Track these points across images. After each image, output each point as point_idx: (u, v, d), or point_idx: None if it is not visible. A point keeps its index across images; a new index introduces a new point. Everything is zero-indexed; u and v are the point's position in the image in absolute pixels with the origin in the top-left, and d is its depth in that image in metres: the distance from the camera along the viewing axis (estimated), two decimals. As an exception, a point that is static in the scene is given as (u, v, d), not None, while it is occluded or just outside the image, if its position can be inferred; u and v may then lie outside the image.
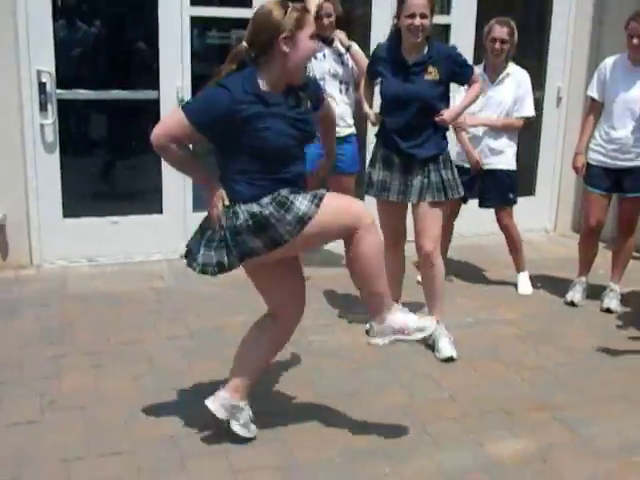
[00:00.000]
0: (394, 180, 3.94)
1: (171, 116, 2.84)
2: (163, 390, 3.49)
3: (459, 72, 3.91)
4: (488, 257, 5.62)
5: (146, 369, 3.70)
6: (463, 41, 5.38)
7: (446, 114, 3.84)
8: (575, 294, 4.77)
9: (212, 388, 3.48)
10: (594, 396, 3.58)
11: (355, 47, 4.78)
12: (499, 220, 4.99)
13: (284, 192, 2.79)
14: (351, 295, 4.78)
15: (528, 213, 6.26)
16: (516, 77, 4.80)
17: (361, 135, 5.17)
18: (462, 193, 4.05)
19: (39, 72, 4.86)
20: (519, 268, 5.07)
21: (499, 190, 4.89)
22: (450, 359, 3.89)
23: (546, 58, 6.11)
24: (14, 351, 3.83)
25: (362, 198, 3.93)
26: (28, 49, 4.81)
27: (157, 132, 2.76)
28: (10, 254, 5.05)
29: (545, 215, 6.41)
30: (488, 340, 4.18)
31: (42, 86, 4.88)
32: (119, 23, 5.55)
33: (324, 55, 4.77)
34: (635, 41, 4.30)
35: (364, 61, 4.74)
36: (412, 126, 3.84)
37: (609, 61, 4.55)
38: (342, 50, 4.81)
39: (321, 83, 4.71)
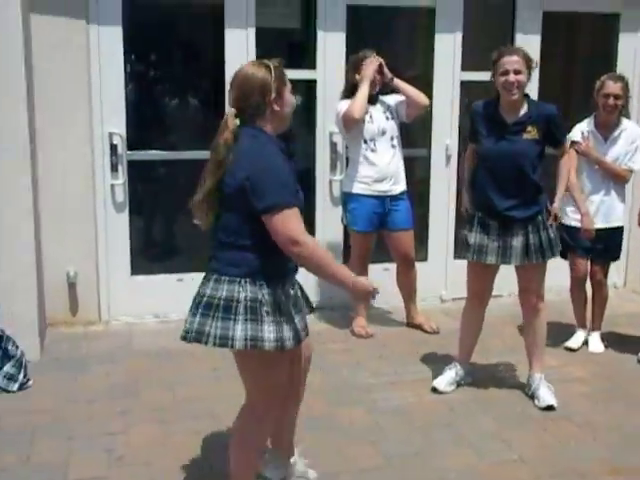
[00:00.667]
0: (492, 242, 3.89)
1: (292, 222, 2.58)
2: (227, 447, 3.47)
3: (555, 134, 3.88)
4: (555, 312, 5.49)
5: (210, 425, 3.70)
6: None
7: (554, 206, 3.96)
8: (648, 352, 4.62)
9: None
10: (672, 459, 3.44)
11: (397, 80, 4.86)
12: (593, 275, 4.86)
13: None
14: (414, 352, 4.74)
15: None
16: (628, 132, 4.64)
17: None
18: (557, 253, 4.02)
19: (111, 134, 5.03)
20: (595, 327, 4.93)
21: (609, 247, 4.79)
22: (550, 407, 3.91)
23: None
24: (83, 406, 3.89)
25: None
26: (101, 113, 5.00)
27: (304, 239, 2.58)
28: (80, 311, 5.16)
29: (614, 270, 6.24)
30: (559, 399, 4.06)
31: (113, 148, 5.05)
32: (187, 85, 5.73)
33: (371, 116, 4.84)
34: None
35: (409, 88, 4.82)
36: (510, 187, 3.81)
37: None
38: (388, 102, 4.90)
39: (371, 144, 4.80)
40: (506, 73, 3.73)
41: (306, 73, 5.37)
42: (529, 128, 3.79)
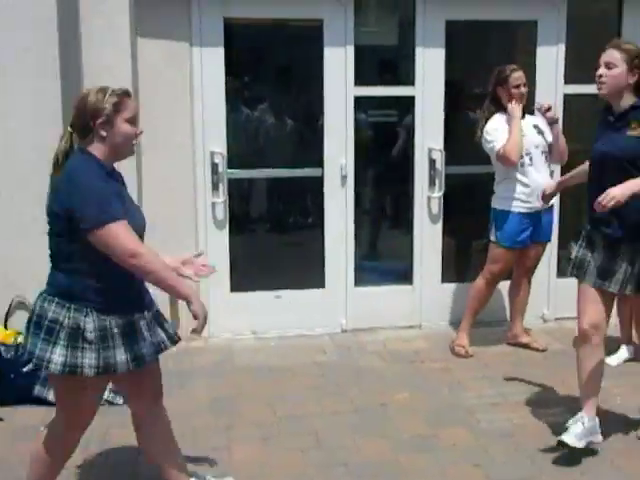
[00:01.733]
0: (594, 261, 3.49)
1: (122, 235, 2.59)
2: (330, 465, 3.46)
3: None
4: None
5: (312, 443, 3.69)
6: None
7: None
8: None
9: (378, 465, 3.43)
10: None
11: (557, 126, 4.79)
12: None
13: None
14: (515, 371, 4.60)
15: None
16: None
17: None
18: None
19: (212, 153, 5.13)
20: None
21: None
22: (563, 444, 3.46)
23: None
24: (186, 421, 3.93)
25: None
26: (203, 132, 5.10)
27: (140, 250, 2.61)
28: (182, 326, 5.24)
29: None
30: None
31: (215, 166, 5.14)
32: (284, 104, 5.79)
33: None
34: None
35: (562, 139, 4.76)
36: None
37: None
38: (538, 121, 4.83)
39: (527, 158, 4.75)
40: (597, 68, 3.45)
41: (404, 90, 5.34)
42: (634, 124, 3.39)
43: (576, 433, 3.44)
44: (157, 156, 4.98)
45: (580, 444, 3.44)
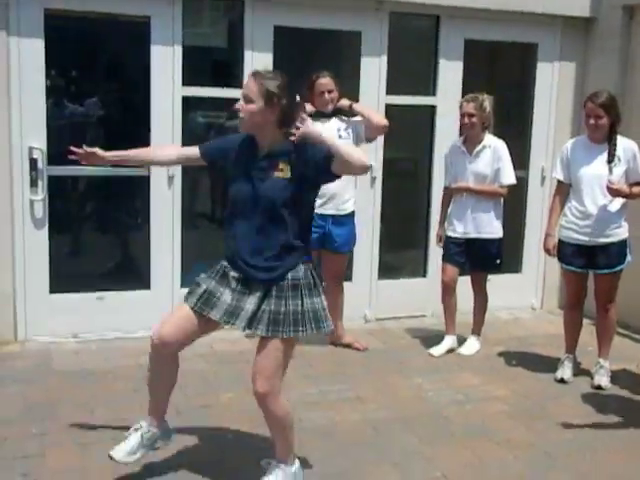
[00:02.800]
0: None
1: None
2: (151, 469, 3.41)
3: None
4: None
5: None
6: (447, 121, 5.55)
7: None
8: (565, 371, 4.75)
9: (197, 465, 3.43)
10: (588, 476, 3.53)
11: (355, 105, 4.92)
12: (475, 283, 5.23)
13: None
14: (337, 370, 4.75)
15: (515, 290, 6.31)
16: (492, 148, 4.99)
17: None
18: None
19: (31, 149, 4.90)
20: (477, 330, 5.28)
21: (483, 257, 5.10)
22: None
23: (530, 139, 6.24)
24: (-3, 429, 3.75)
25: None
26: (20, 126, 4.87)
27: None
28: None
29: (532, 292, 6.43)
30: (479, 418, 4.14)
31: (33, 162, 4.91)
32: (111, 102, 5.64)
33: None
34: (591, 121, 4.46)
35: (369, 110, 4.88)
36: None
37: (569, 143, 4.74)
38: (341, 125, 4.91)
39: None
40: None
41: (234, 92, 5.36)
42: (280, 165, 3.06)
43: (126, 448, 3.25)
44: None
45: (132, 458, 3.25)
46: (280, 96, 2.99)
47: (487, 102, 4.94)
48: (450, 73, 5.81)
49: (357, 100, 5.26)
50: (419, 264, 6.08)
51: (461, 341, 5.25)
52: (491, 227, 5.05)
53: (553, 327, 5.77)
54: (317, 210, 4.82)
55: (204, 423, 3.93)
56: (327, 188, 4.78)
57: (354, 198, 5.08)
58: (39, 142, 4.93)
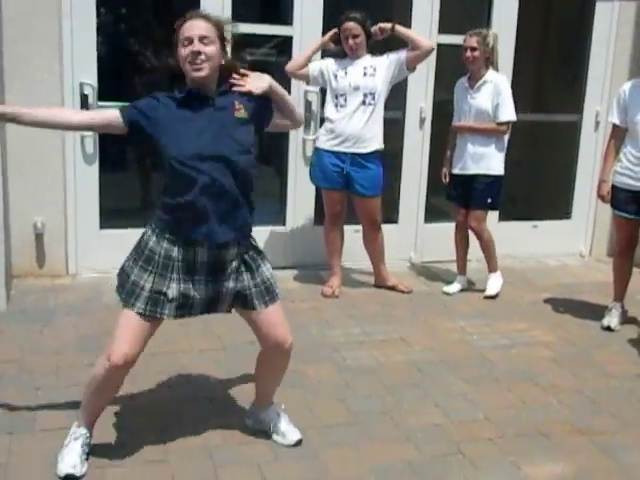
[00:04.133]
0: None
1: None
2: (197, 400, 3.49)
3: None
4: (523, 280, 5.57)
5: (180, 380, 3.71)
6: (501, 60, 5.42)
7: None
8: (612, 319, 4.70)
9: (244, 401, 3.50)
10: (633, 422, 3.51)
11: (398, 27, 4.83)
12: (468, 222, 5.12)
13: None
14: (381, 312, 4.77)
15: (563, 237, 6.23)
16: (494, 83, 4.91)
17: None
18: None
19: (82, 84, 4.92)
20: (490, 268, 5.20)
21: (478, 194, 5.02)
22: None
23: (585, 82, 6.06)
24: (50, 358, 3.86)
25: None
26: (72, 62, 4.88)
27: None
28: (47, 263, 5.10)
29: (581, 239, 6.34)
30: (524, 362, 4.13)
31: (84, 98, 4.94)
32: (160, 38, 5.62)
33: (346, 72, 4.82)
34: None
35: (411, 32, 4.86)
36: None
37: (627, 85, 4.56)
38: (369, 62, 4.84)
39: (341, 99, 4.81)
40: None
41: (282, 29, 5.30)
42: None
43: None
44: (23, 85, 4.75)
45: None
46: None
47: (491, 37, 4.88)
48: (504, 11, 5.64)
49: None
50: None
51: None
52: (488, 163, 4.96)
53: (601, 275, 5.69)
54: (333, 147, 4.84)
55: (249, 358, 3.98)
56: (342, 129, 4.78)
57: (380, 136, 4.92)
58: (90, 78, 4.95)
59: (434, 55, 5.22)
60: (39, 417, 3.26)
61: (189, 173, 2.72)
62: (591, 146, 6.15)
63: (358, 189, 4.92)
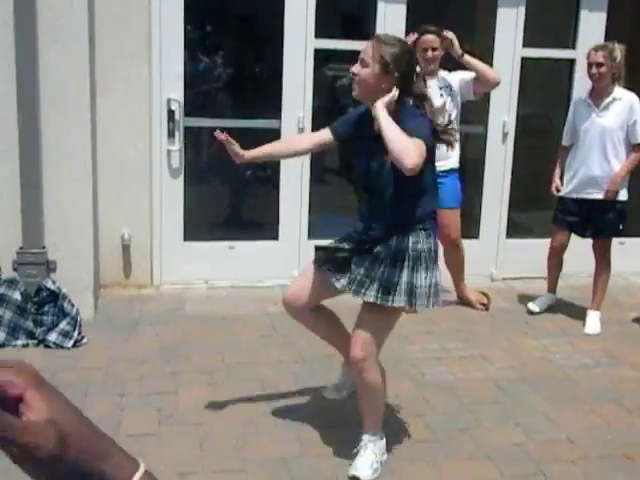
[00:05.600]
0: None
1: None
2: (275, 412, 3.53)
3: None
4: (610, 298, 5.41)
5: (259, 391, 3.75)
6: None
7: None
8: None
9: (322, 413, 3.51)
10: None
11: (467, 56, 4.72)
12: (595, 251, 4.90)
13: None
14: (461, 328, 4.71)
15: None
16: (624, 101, 4.66)
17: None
18: None
19: (169, 100, 5.07)
20: (597, 306, 4.92)
21: (608, 221, 4.81)
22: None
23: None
24: (134, 366, 3.96)
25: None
26: (160, 78, 5.03)
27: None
28: (133, 274, 5.25)
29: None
30: (609, 382, 4.01)
31: (171, 114, 5.09)
32: (244, 55, 5.74)
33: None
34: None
35: (480, 64, 4.69)
36: None
37: None
38: (449, 80, 4.78)
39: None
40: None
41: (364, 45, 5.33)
42: None
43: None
44: (113, 100, 4.91)
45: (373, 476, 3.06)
46: (396, 65, 2.85)
47: (618, 51, 4.59)
48: (592, 24, 5.52)
49: (491, 53, 5.11)
50: (548, 224, 5.89)
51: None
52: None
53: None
54: None
55: (327, 371, 4.01)
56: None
57: (455, 157, 4.84)
58: (177, 94, 5.08)
59: (517, 68, 5.15)
60: (123, 422, 3.35)
61: None
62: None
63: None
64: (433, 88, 4.74)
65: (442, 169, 4.83)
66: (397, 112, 2.87)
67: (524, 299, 5.30)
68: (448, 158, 4.83)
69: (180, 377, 3.85)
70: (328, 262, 3.10)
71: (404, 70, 2.88)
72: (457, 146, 4.84)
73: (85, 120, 4.50)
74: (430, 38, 4.70)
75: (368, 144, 2.98)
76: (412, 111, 2.97)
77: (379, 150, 2.87)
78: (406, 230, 2.96)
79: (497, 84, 4.75)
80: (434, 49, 4.71)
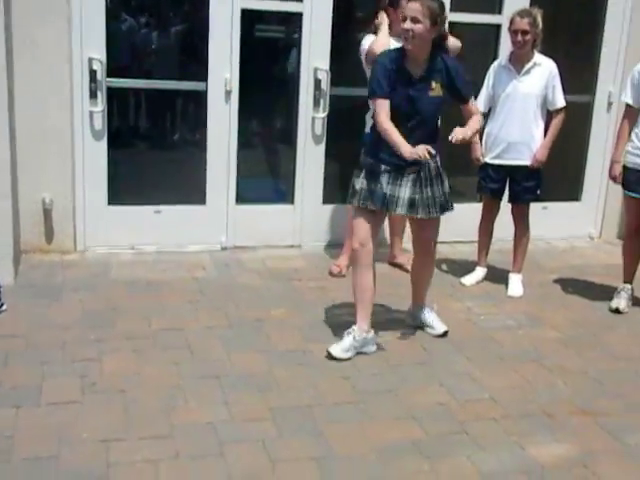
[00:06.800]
0: None
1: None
2: (202, 377, 3.50)
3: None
4: (532, 261, 5.53)
5: (186, 356, 3.72)
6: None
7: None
8: (620, 301, 4.68)
9: (251, 377, 3.51)
10: (639, 404, 3.50)
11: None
12: (514, 216, 4.96)
13: None
14: (389, 292, 4.76)
15: (573, 219, 6.19)
16: (543, 67, 4.71)
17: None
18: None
19: (90, 60, 4.90)
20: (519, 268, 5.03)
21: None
22: (330, 356, 3.79)
23: (598, 62, 5.99)
24: (57, 332, 3.87)
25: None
26: (81, 36, 4.86)
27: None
28: (55, 239, 5.11)
29: (591, 221, 6.30)
30: (531, 343, 4.12)
31: (93, 74, 4.92)
32: (169, 15, 5.59)
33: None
34: None
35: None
36: None
37: None
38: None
39: None
40: (403, 19, 3.60)
41: (292, 5, 5.26)
42: (433, 84, 3.69)
43: (343, 346, 3.77)
44: (31, 60, 4.73)
45: (346, 355, 3.76)
46: (440, 17, 3.59)
47: (539, 17, 4.62)
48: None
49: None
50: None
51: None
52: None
53: (611, 257, 5.65)
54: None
55: (256, 336, 4.00)
56: None
57: None
58: (99, 53, 4.92)
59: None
60: (45, 391, 3.28)
61: None
62: (603, 127, 6.09)
63: None
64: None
65: None
66: (434, 61, 3.68)
67: (450, 263, 5.38)
68: None
69: (104, 344, 3.78)
70: (391, 204, 3.75)
71: (443, 20, 3.65)
72: None
73: (0, 80, 4.31)
74: (413, 6, 4.61)
75: (407, 81, 3.65)
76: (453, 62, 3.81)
77: (419, 84, 3.66)
78: (437, 150, 3.67)
79: (458, 51, 4.64)
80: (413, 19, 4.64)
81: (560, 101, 4.75)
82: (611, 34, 5.93)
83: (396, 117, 3.65)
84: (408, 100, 3.67)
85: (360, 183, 3.79)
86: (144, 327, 4.02)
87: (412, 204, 3.75)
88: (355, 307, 3.88)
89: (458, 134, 3.63)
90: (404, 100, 3.66)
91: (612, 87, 6.00)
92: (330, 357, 3.73)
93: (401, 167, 3.69)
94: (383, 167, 3.73)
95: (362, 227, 3.79)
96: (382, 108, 3.66)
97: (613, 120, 5.96)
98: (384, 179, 3.74)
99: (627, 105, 4.55)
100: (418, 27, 3.54)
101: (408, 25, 3.55)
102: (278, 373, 3.59)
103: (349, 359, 3.75)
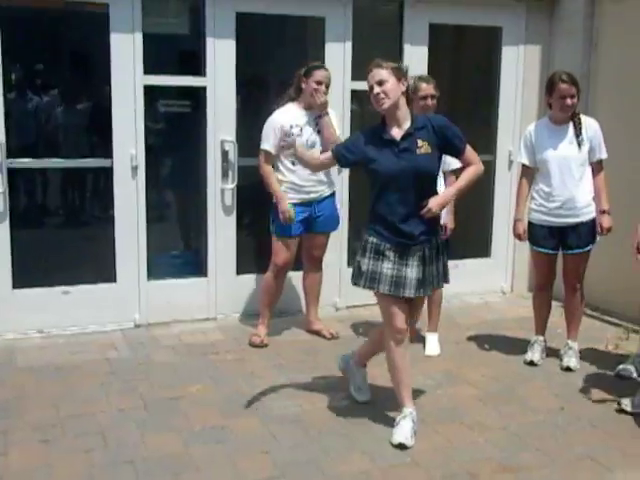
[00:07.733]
0: None
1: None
2: (115, 464, 3.35)
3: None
4: (447, 319, 5.58)
5: (98, 443, 3.56)
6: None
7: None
8: (534, 354, 4.76)
9: (166, 460, 3.38)
10: (559, 457, 3.53)
11: (329, 116, 4.84)
12: None
13: None
14: (310, 361, 4.71)
15: (485, 275, 6.32)
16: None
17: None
18: None
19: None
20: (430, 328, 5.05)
21: None
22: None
23: (496, 123, 6.23)
24: (-42, 428, 3.66)
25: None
26: None
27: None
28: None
29: (502, 276, 6.44)
30: (450, 402, 4.12)
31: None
32: (72, 93, 5.55)
33: (301, 129, 4.84)
34: (568, 101, 4.42)
35: (328, 131, 4.81)
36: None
37: (532, 127, 4.69)
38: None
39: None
40: (371, 88, 3.62)
41: (195, 80, 5.29)
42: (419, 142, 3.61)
43: (406, 432, 3.60)
44: None
45: (413, 440, 3.60)
46: (402, 71, 3.66)
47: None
48: (415, 58, 5.75)
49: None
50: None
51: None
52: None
53: (523, 310, 5.76)
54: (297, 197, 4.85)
55: (171, 415, 3.88)
56: (303, 176, 4.81)
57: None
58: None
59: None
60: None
61: None
62: (506, 185, 6.29)
63: (317, 227, 5.06)
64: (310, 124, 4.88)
65: (326, 194, 4.96)
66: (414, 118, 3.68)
67: (368, 326, 5.37)
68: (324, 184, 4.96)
69: (11, 436, 3.59)
70: (398, 285, 3.62)
71: (406, 75, 3.70)
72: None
73: None
74: (323, 74, 4.80)
75: (392, 146, 3.62)
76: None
77: (403, 143, 3.61)
78: (437, 221, 3.78)
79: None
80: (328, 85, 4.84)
81: (454, 163, 4.87)
82: (506, 95, 6.18)
83: (391, 185, 3.60)
84: (397, 163, 3.58)
85: (365, 264, 3.66)
86: (53, 415, 3.84)
87: (419, 284, 3.64)
88: (397, 389, 3.75)
89: (433, 207, 3.61)
90: (393, 165, 3.58)
91: (511, 146, 6.22)
92: (403, 447, 3.54)
93: (407, 246, 3.62)
94: (388, 246, 3.64)
95: (396, 315, 3.67)
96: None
97: (515, 178, 6.15)
98: (389, 259, 3.63)
99: (523, 165, 4.71)
100: (386, 86, 3.56)
101: (377, 89, 3.57)
102: (195, 453, 3.47)
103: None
